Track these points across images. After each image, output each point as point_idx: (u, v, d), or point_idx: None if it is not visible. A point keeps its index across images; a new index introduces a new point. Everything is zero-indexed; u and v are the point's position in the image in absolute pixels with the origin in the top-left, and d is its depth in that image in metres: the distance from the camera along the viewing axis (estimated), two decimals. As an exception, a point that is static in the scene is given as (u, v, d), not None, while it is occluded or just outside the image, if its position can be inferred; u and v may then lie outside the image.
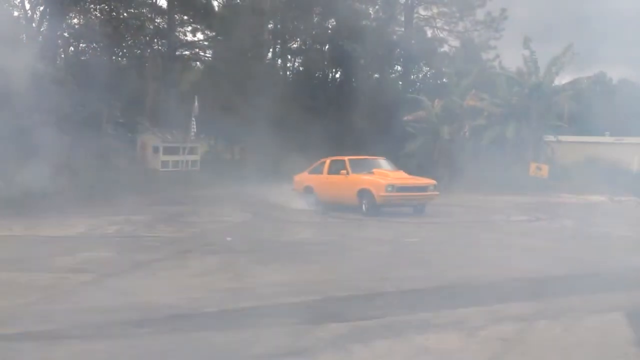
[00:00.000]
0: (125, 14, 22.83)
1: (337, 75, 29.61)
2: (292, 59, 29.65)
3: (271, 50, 28.71)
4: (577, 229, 12.35)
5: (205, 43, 26.55)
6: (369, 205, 13.69)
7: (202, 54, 27.47)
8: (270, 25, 27.38)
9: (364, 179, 14.01)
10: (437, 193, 14.22)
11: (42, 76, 15.94)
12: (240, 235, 10.82)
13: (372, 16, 29.52)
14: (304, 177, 15.85)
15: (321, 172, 15.33)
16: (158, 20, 24.94)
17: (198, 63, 28.37)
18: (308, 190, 15.40)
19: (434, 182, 14.43)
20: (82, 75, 17.85)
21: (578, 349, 4.81)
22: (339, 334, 5.07)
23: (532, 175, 21.93)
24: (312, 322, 5.38)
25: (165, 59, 24.45)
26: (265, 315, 5.61)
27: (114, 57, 22.18)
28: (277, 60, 29.47)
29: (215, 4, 26.19)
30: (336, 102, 26.63)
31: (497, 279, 7.32)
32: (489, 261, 8.55)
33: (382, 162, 15.61)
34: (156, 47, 25.10)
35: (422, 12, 30.66)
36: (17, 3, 21.76)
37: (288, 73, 29.41)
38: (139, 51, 23.13)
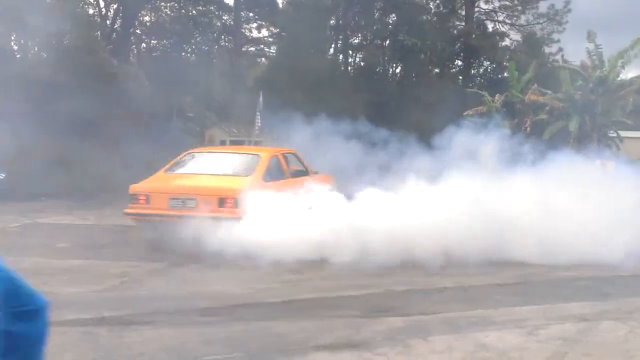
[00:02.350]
0: (194, 12, 23.53)
1: (398, 70, 29.52)
2: (353, 54, 29.73)
3: (333, 45, 28.90)
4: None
5: (270, 39, 27.02)
6: None
7: (267, 49, 27.95)
8: (332, 21, 27.55)
9: None
10: None
11: (116, 72, 16.65)
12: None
13: (432, 11, 29.25)
14: None
15: None
16: (225, 17, 25.56)
17: (263, 59, 28.88)
18: None
19: None
20: (153, 71, 18.52)
21: (643, 352, 4.73)
22: (397, 327, 5.15)
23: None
24: (371, 315, 5.49)
25: (231, 55, 25.02)
26: (325, 307, 5.76)
27: (183, 54, 22.88)
28: (339, 56, 29.62)
29: (279, 0, 26.60)
30: (396, 97, 26.55)
31: (559, 277, 7.21)
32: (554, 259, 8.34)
33: None
34: (223, 43, 25.71)
35: (483, 5, 30.15)
36: (91, 1, 22.78)
37: (349, 68, 29.51)
38: (207, 47, 23.77)
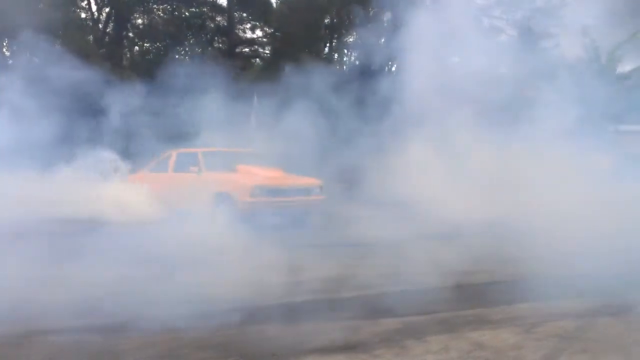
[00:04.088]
0: (186, 13, 23.48)
1: (393, 69, 29.46)
2: (349, 53, 29.70)
3: (328, 44, 28.85)
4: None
5: (264, 40, 26.94)
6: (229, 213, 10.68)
7: (261, 50, 27.87)
8: (326, 20, 27.48)
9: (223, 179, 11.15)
10: (323, 197, 11.39)
11: (109, 76, 16.54)
12: (296, 231, 10.90)
13: (428, 7, 29.24)
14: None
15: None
16: (218, 19, 25.49)
17: (257, 59, 28.79)
18: None
19: (319, 182, 11.46)
20: (147, 75, 18.43)
21: (640, 348, 4.70)
22: (393, 329, 5.12)
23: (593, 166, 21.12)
24: (368, 317, 5.46)
25: (225, 57, 24.94)
26: (320, 309, 5.71)
27: (177, 56, 22.80)
28: (334, 55, 29.57)
29: (273, 0, 26.53)
30: (391, 96, 26.49)
31: (555, 274, 7.16)
32: (548, 256, 8.31)
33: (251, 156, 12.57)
34: (217, 44, 25.64)
35: (478, 1, 30.15)
36: (84, 5, 22.70)
37: (344, 67, 29.46)
38: (201, 49, 23.70)
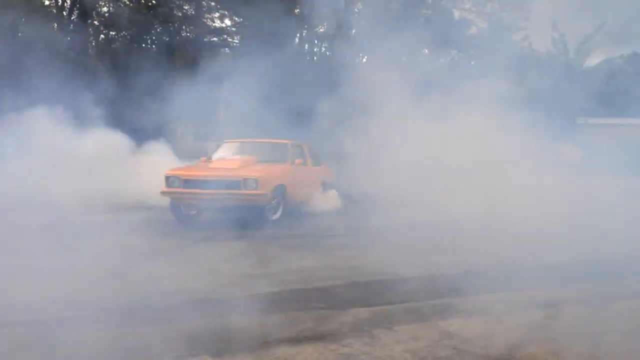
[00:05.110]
0: (153, 1, 23.05)
1: (364, 60, 29.45)
2: (319, 44, 29.54)
3: (298, 35, 28.67)
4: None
5: (233, 29, 26.63)
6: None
7: (230, 40, 27.54)
8: (297, 11, 27.28)
9: None
10: (261, 192, 9.78)
11: (74, 64, 16.20)
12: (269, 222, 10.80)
13: (399, -1, 29.24)
14: None
15: None
16: (186, 7, 25.10)
17: (226, 49, 28.45)
18: None
19: (254, 176, 9.86)
20: (112, 63, 18.08)
21: (606, 336, 4.73)
22: (363, 318, 5.08)
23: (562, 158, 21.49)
24: (337, 307, 5.40)
25: (193, 46, 24.60)
26: (289, 300, 5.64)
27: (143, 45, 22.41)
28: (305, 46, 29.40)
29: (243, -12, 26.21)
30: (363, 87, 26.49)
31: (524, 264, 7.22)
32: (516, 246, 8.39)
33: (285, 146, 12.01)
34: (185, 34, 25.26)
35: (450, -6, 30.24)
36: (48, -8, 22.14)
37: (315, 58, 29.33)
38: (168, 38, 23.31)
